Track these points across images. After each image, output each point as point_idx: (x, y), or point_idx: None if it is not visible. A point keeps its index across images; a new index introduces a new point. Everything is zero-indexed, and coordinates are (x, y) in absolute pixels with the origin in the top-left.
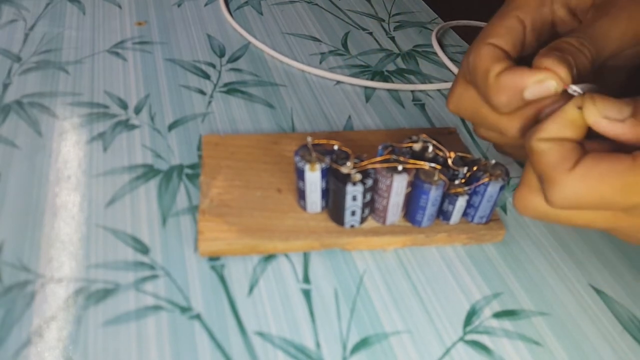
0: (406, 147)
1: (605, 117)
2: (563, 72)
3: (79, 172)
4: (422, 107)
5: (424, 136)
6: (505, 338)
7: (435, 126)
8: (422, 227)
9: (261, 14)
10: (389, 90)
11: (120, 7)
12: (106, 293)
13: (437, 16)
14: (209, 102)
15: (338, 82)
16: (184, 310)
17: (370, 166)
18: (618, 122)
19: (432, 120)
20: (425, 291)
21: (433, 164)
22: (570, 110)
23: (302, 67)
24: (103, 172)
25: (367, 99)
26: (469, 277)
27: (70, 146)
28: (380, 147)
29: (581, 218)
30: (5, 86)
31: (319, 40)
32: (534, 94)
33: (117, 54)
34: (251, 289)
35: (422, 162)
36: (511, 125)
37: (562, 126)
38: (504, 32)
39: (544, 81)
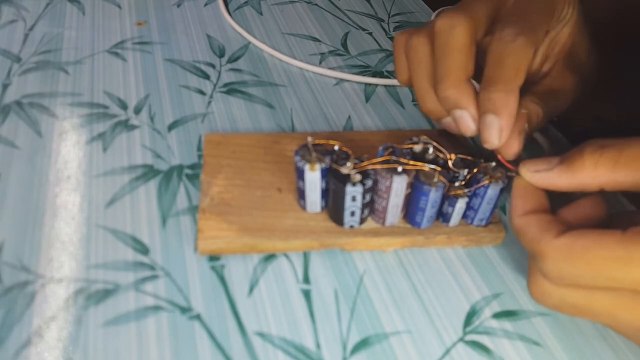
0: (407, 148)
1: (536, 171)
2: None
3: (78, 173)
4: None
5: (424, 137)
6: (505, 338)
7: (436, 127)
8: (421, 228)
9: (261, 14)
10: (386, 86)
11: (120, 7)
12: (106, 293)
13: None
14: (209, 102)
15: (338, 82)
16: (184, 310)
17: (370, 167)
18: (549, 172)
19: (432, 121)
20: (425, 291)
21: (433, 166)
22: (517, 181)
23: (301, 65)
24: (103, 172)
25: (367, 99)
26: (469, 277)
27: (70, 146)
28: (380, 148)
29: (593, 302)
30: (5, 86)
31: (318, 41)
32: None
33: (116, 54)
34: (251, 289)
35: (422, 164)
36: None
37: (522, 198)
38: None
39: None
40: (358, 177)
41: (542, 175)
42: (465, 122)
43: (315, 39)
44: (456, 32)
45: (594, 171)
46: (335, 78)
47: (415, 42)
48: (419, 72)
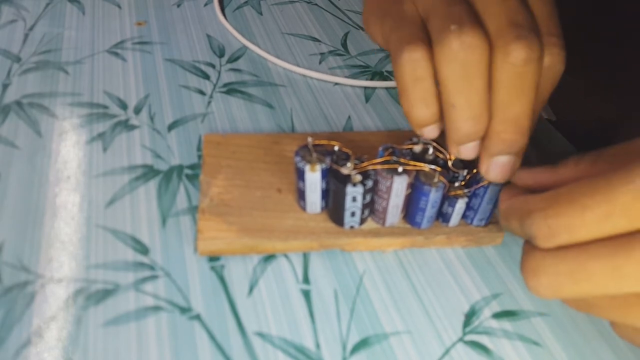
0: (406, 148)
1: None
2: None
3: (78, 173)
4: None
5: (424, 138)
6: (504, 338)
7: None
8: (421, 229)
9: (261, 14)
10: (387, 88)
11: (120, 7)
12: (106, 293)
13: None
14: (209, 103)
15: (338, 82)
16: (184, 310)
17: (370, 167)
18: (533, 168)
19: None
20: (424, 291)
21: (433, 166)
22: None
23: (302, 72)
24: (103, 172)
25: (367, 99)
26: (469, 277)
27: (70, 146)
28: (380, 149)
29: (591, 259)
30: (5, 86)
31: (318, 41)
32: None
33: (116, 54)
34: (251, 290)
35: (422, 164)
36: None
37: (506, 191)
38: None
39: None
40: (358, 177)
41: (526, 170)
42: (506, 167)
43: (315, 39)
44: (537, 69)
45: (575, 167)
46: (335, 83)
47: (477, 48)
48: (476, 84)
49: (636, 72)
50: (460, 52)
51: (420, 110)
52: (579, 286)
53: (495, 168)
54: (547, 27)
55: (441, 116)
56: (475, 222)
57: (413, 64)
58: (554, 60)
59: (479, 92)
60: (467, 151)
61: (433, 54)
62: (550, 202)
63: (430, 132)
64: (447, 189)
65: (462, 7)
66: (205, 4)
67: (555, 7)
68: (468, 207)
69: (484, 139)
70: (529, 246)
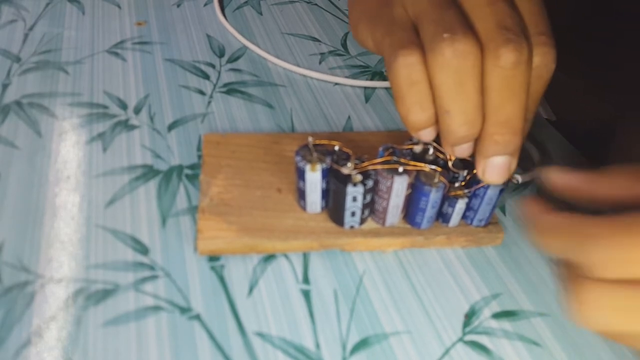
0: (407, 148)
1: (559, 171)
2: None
3: (78, 173)
4: None
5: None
6: (504, 338)
7: None
8: (421, 229)
9: (260, 14)
10: (387, 88)
11: (119, 7)
12: (106, 293)
13: None
14: (209, 103)
15: (337, 82)
16: (184, 310)
17: (371, 167)
18: (571, 173)
19: None
20: (424, 292)
21: (433, 166)
22: (525, 203)
23: (303, 72)
24: (103, 172)
25: (367, 99)
26: (468, 277)
27: (69, 146)
28: (380, 149)
29: None
30: (5, 86)
31: (318, 41)
32: None
33: (116, 54)
34: (251, 290)
35: (422, 164)
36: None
37: (536, 204)
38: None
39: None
40: (359, 177)
41: (564, 173)
42: (499, 167)
43: (315, 39)
44: (526, 71)
45: (616, 178)
46: (335, 83)
47: (469, 55)
48: (469, 90)
49: (629, 71)
50: (453, 59)
51: (417, 114)
52: (632, 323)
53: (492, 169)
54: (536, 25)
55: (437, 119)
56: (475, 222)
57: (408, 68)
58: (544, 59)
59: (472, 97)
60: (462, 151)
61: (426, 59)
62: (614, 231)
63: (427, 135)
64: (447, 189)
65: (453, 11)
66: (205, 4)
67: (543, 5)
68: (468, 207)
69: (478, 140)
70: (576, 273)
